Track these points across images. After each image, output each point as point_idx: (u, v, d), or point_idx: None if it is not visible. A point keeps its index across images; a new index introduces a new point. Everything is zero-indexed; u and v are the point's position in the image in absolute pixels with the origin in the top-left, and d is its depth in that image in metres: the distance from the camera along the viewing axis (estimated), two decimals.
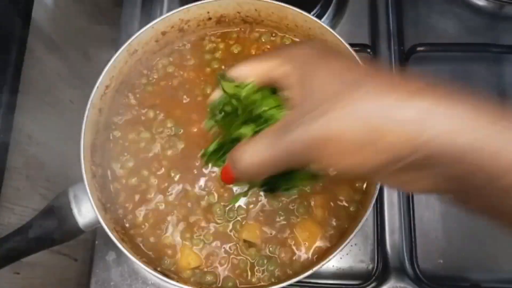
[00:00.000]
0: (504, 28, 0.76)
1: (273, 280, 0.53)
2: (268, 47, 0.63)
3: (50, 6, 0.62)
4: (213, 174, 0.57)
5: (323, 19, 0.75)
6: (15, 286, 0.55)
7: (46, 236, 0.48)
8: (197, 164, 0.57)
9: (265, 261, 0.54)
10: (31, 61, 0.56)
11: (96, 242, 0.67)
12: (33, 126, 0.58)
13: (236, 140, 0.34)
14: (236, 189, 0.56)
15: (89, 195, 0.49)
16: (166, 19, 0.58)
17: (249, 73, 0.35)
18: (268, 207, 0.55)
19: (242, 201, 0.56)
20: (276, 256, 0.54)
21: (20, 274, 0.48)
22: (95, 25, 0.78)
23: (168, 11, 0.71)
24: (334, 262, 0.65)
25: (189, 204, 0.56)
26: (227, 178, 0.34)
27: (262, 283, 0.53)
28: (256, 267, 0.54)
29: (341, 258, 0.65)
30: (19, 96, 0.52)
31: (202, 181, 0.57)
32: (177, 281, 0.50)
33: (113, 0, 0.83)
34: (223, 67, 0.61)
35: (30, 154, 0.58)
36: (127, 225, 0.55)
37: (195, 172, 0.57)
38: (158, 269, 0.52)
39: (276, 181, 0.36)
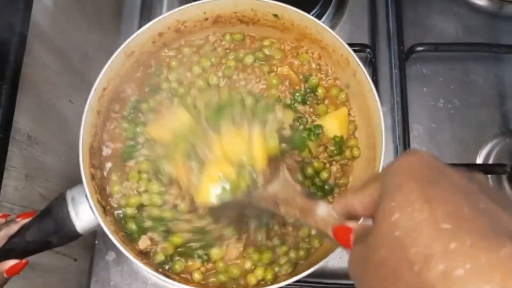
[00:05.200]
0: (504, 28, 0.76)
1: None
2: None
3: (50, 6, 0.62)
4: None
5: (322, 19, 0.75)
6: (14, 286, 0.55)
7: (44, 239, 0.48)
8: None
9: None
10: (30, 61, 0.56)
11: (96, 242, 0.67)
12: (32, 126, 0.58)
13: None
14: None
15: (89, 197, 0.49)
16: (163, 20, 0.58)
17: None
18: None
19: None
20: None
21: (20, 274, 0.48)
22: (95, 25, 0.78)
23: (167, 11, 0.71)
24: (334, 262, 0.65)
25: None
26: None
27: (262, 282, 0.53)
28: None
29: (340, 258, 0.65)
30: (19, 95, 0.52)
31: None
32: (179, 282, 0.50)
33: (113, 1, 0.83)
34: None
35: (30, 154, 0.57)
36: (127, 226, 0.55)
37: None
38: (160, 270, 0.52)
39: None
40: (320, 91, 0.60)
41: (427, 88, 0.73)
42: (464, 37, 0.76)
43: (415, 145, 0.70)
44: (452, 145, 0.70)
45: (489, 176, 0.68)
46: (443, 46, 0.73)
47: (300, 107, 0.59)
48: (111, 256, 0.66)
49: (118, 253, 0.66)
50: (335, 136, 0.58)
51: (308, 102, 0.60)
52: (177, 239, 0.53)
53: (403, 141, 0.68)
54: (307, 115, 0.59)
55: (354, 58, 0.55)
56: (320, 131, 0.58)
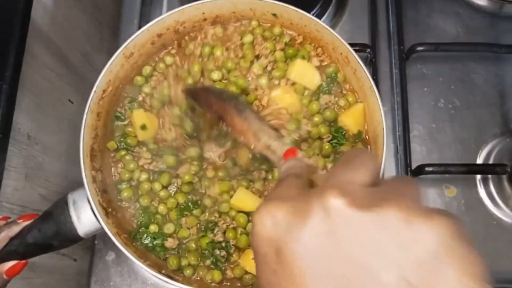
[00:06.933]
0: (504, 28, 0.76)
1: None
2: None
3: (50, 6, 0.62)
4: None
5: (323, 19, 0.75)
6: (14, 286, 0.55)
7: (45, 242, 0.47)
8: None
9: None
10: (30, 61, 0.56)
11: (96, 242, 0.66)
12: (32, 126, 0.58)
13: None
14: None
15: (91, 200, 0.48)
16: (161, 21, 0.57)
17: None
18: None
19: None
20: None
21: (20, 274, 0.48)
22: (95, 25, 0.78)
23: (167, 12, 0.70)
24: None
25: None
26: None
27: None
28: None
29: None
30: (19, 96, 0.52)
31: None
32: (182, 283, 0.50)
33: (112, 1, 0.83)
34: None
35: (29, 154, 0.57)
36: (129, 229, 0.55)
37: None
38: (163, 271, 0.52)
39: None
40: (339, 76, 0.59)
41: (427, 88, 0.73)
42: (464, 37, 0.76)
43: (415, 145, 0.70)
44: (452, 145, 0.70)
45: (489, 176, 0.68)
46: (443, 46, 0.72)
47: (325, 96, 0.58)
48: (110, 256, 0.66)
49: (118, 253, 0.66)
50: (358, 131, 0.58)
51: (332, 92, 0.59)
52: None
53: (404, 141, 0.68)
54: (331, 105, 0.59)
55: (354, 56, 0.55)
56: (344, 131, 0.57)
